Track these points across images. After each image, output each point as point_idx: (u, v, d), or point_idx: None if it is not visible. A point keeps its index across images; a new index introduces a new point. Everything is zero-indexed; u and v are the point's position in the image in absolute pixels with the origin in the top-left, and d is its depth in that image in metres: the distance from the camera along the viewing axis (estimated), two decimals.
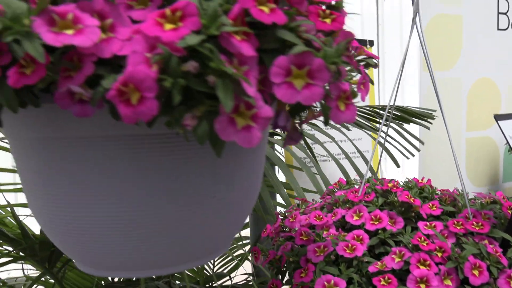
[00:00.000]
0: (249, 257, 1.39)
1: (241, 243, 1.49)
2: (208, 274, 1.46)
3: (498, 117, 0.58)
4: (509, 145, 0.56)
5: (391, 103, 0.83)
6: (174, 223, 0.46)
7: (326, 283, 0.60)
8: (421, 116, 1.36)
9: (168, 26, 0.32)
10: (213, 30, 0.33)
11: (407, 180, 0.81)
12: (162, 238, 0.46)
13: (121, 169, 0.42)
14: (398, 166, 1.28)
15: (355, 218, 0.70)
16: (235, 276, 1.37)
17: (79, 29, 0.31)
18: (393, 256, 0.61)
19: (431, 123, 1.35)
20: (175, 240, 0.47)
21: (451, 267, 0.57)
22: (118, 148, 0.42)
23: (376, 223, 0.67)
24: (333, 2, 0.42)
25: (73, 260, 0.54)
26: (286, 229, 0.81)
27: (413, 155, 1.34)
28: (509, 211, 0.71)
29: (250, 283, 1.32)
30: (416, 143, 1.36)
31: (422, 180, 0.82)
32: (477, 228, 0.62)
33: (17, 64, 0.32)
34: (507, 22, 1.68)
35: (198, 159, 0.45)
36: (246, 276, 1.39)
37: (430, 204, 0.69)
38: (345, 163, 1.12)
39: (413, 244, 0.60)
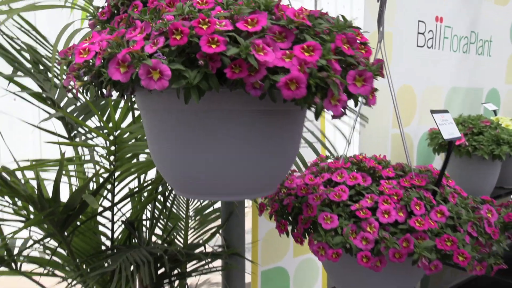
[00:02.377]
0: (220, 231, 1.78)
1: (214, 215, 1.88)
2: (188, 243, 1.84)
3: (433, 111, 1.04)
4: (440, 132, 1.01)
5: None
6: (259, 163, 0.83)
7: (325, 217, 1.02)
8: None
9: (306, 54, 0.70)
10: (327, 57, 0.72)
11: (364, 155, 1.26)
12: (249, 172, 0.83)
13: (242, 130, 0.78)
14: (349, 142, 1.76)
15: (339, 178, 1.12)
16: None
17: (266, 53, 0.68)
18: (367, 199, 1.04)
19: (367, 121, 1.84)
20: (256, 174, 0.84)
21: (403, 204, 1.02)
22: (243, 116, 0.78)
23: (353, 180, 1.10)
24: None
25: (175, 189, 0.89)
26: (285, 190, 1.21)
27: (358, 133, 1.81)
28: (436, 176, 1.18)
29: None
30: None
31: (379, 156, 1.27)
32: (418, 183, 1.07)
33: (230, 66, 0.68)
34: (424, 40, 2.21)
35: (286, 126, 0.84)
36: (218, 247, 1.78)
37: (388, 170, 1.14)
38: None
39: (380, 191, 1.04)
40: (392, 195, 1.01)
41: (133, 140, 1.49)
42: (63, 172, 1.41)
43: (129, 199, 1.57)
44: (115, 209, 1.55)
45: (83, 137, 1.59)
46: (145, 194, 1.68)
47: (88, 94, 1.06)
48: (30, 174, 2.88)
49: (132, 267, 1.32)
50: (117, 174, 1.45)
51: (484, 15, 2.48)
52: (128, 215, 2.17)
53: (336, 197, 1.03)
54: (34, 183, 2.02)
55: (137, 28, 0.73)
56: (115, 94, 0.81)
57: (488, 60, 2.58)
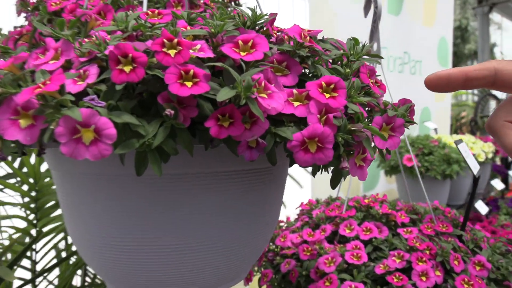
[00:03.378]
0: None
1: None
2: None
3: (456, 142, 0.76)
4: (469, 167, 0.73)
5: None
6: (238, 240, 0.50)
7: (345, 279, 0.70)
8: None
9: (327, 95, 0.39)
10: (356, 99, 0.41)
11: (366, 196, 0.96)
12: (227, 254, 0.50)
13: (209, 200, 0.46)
14: (301, 186, 1.46)
15: (347, 231, 0.81)
16: None
17: (270, 95, 0.37)
18: (393, 258, 0.73)
19: None
20: (236, 254, 0.51)
21: (439, 261, 0.72)
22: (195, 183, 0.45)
23: (368, 233, 0.79)
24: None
25: (107, 282, 0.53)
26: (277, 249, 0.88)
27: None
28: (449, 215, 0.90)
29: None
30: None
31: (377, 195, 0.97)
32: (444, 229, 0.79)
33: (215, 117, 0.36)
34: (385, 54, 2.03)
35: (270, 190, 0.51)
36: None
37: (400, 214, 0.84)
38: None
39: (410, 246, 0.73)
40: (424, 250, 0.71)
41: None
42: None
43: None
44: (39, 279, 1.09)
45: None
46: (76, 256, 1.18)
47: None
48: None
49: None
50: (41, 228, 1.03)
51: (414, 36, 2.35)
52: (56, 281, 1.58)
53: (355, 258, 0.72)
54: None
55: (48, 49, 0.40)
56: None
57: (420, 79, 2.44)
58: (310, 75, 0.43)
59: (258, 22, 0.43)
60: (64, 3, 0.59)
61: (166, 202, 0.42)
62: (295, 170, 1.29)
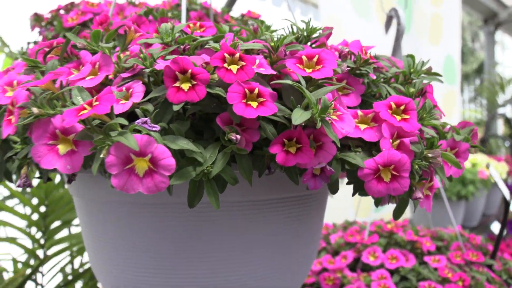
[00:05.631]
0: None
1: None
2: None
3: (487, 166, 0.74)
4: (504, 194, 0.71)
5: None
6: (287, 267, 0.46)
7: None
8: None
9: (398, 117, 0.36)
10: (428, 122, 0.38)
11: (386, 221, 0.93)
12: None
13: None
14: None
15: (372, 258, 0.77)
16: None
17: (340, 116, 0.33)
18: None
19: None
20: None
21: None
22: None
23: (394, 261, 0.75)
24: None
25: None
26: None
27: None
28: (474, 242, 0.87)
29: None
30: None
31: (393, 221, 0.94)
32: (474, 258, 0.76)
33: (280, 143, 0.32)
34: None
35: (314, 212, 0.48)
36: None
37: (425, 241, 0.81)
38: None
39: (441, 276, 0.70)
40: (457, 282, 0.67)
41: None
42: None
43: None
44: None
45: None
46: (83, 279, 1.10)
47: None
48: None
49: None
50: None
51: (420, 53, 2.36)
52: None
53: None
54: None
55: (84, 64, 0.35)
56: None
57: None
58: (371, 94, 0.40)
59: (313, 36, 0.39)
60: (82, 18, 0.55)
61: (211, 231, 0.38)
62: None
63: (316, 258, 0.81)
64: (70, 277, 0.93)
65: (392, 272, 0.72)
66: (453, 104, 2.75)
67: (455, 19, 2.75)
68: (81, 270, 0.94)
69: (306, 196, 0.44)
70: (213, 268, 0.40)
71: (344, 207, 1.50)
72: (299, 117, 0.30)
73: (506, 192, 0.71)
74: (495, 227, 1.40)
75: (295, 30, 0.40)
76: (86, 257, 0.98)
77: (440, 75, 0.47)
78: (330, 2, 1.66)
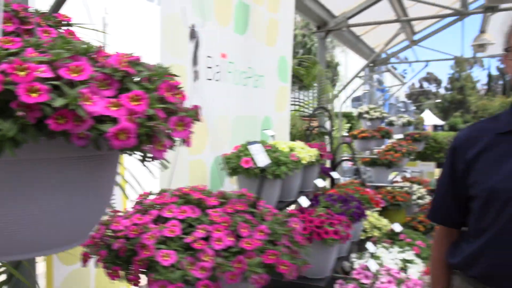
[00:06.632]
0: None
1: None
2: None
3: (248, 143, 1.05)
4: (254, 161, 1.02)
5: None
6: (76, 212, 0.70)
7: (162, 255, 0.92)
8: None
9: (134, 103, 0.61)
10: (154, 106, 0.64)
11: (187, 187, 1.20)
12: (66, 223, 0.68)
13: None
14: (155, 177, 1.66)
15: (168, 213, 1.03)
16: None
17: (93, 102, 0.57)
18: (199, 230, 0.98)
19: None
20: (73, 224, 0.69)
21: (232, 230, 0.99)
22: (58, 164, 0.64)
23: (183, 214, 1.03)
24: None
25: None
26: (112, 233, 1.05)
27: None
28: (252, 199, 1.19)
29: None
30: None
31: (199, 186, 1.22)
32: (240, 208, 1.07)
33: (53, 117, 0.54)
34: (212, 74, 2.14)
35: (103, 170, 0.72)
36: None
37: (212, 199, 1.10)
38: None
39: (210, 220, 0.99)
40: (222, 223, 0.97)
41: None
42: None
43: None
44: None
45: None
46: None
47: None
48: None
49: None
50: None
51: (258, 54, 2.70)
52: None
53: (170, 232, 0.95)
54: None
55: None
56: None
57: (262, 92, 2.81)
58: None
59: (88, 53, 0.62)
60: None
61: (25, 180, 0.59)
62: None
63: (129, 218, 1.04)
64: None
65: (182, 221, 1.00)
66: (285, 99, 3.14)
67: (289, 24, 3.17)
68: None
69: (91, 157, 0.67)
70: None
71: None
72: (58, 102, 0.53)
73: (261, 162, 1.03)
74: (303, 200, 1.78)
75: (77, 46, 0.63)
76: None
77: (176, 75, 0.73)
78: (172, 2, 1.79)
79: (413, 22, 5.73)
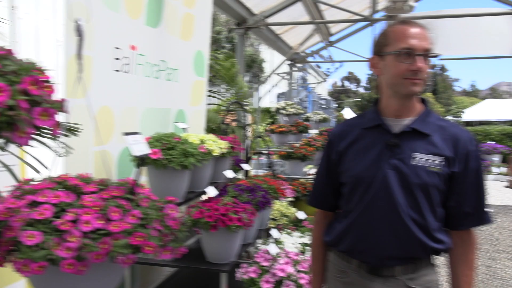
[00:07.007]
0: None
1: None
2: None
3: (125, 134, 1.14)
4: (130, 151, 1.11)
5: None
6: None
7: (27, 235, 0.99)
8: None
9: None
10: (16, 97, 0.71)
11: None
12: None
13: None
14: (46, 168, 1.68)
15: (42, 198, 1.10)
16: None
17: None
18: (69, 214, 1.05)
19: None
20: None
21: (102, 214, 1.08)
22: None
23: (57, 198, 1.09)
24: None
25: None
26: None
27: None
28: (131, 185, 1.28)
29: None
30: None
31: (84, 174, 1.29)
32: (117, 194, 1.16)
33: None
34: (120, 65, 2.16)
35: None
36: None
37: (91, 185, 1.17)
38: None
39: (81, 204, 1.07)
40: (92, 207, 1.06)
41: None
42: None
43: None
44: None
45: None
46: None
47: None
48: None
49: None
50: None
51: (172, 48, 2.71)
52: None
53: (40, 215, 1.02)
54: None
55: None
56: None
57: (176, 86, 2.83)
58: None
59: None
60: None
61: None
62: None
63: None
64: None
65: (55, 205, 1.06)
66: (201, 93, 3.19)
67: (206, 20, 3.19)
68: None
69: None
70: None
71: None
72: None
73: (138, 151, 1.13)
74: (210, 190, 1.87)
75: None
76: None
77: (43, 70, 0.81)
78: None
79: (330, 24, 6.08)
